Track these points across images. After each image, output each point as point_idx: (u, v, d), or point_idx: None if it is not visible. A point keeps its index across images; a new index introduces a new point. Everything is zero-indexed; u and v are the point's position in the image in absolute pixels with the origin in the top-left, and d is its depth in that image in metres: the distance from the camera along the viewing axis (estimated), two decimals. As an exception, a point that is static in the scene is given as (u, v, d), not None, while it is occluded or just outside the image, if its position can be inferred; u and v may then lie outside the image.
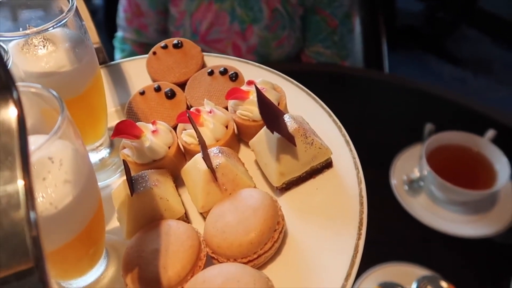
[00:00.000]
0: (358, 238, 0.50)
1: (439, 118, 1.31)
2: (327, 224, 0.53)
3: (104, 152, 0.65)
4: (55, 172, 0.38)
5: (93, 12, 2.68)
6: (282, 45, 1.60)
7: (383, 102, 1.47)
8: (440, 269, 1.00)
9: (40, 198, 0.37)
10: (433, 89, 1.48)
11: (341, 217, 0.53)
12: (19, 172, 0.24)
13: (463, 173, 1.17)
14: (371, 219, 1.17)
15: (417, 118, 1.34)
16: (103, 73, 0.76)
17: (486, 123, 1.22)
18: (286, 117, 0.56)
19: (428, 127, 1.29)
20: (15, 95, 0.25)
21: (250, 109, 0.60)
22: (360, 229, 0.50)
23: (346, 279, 0.46)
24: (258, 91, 0.52)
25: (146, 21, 1.56)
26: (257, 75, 0.69)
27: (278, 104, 0.62)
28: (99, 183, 0.62)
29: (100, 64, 0.76)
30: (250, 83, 0.62)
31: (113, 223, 0.59)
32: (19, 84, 0.39)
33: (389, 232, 1.12)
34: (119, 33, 1.61)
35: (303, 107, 0.65)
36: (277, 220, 0.50)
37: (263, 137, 0.57)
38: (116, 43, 1.62)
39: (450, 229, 1.09)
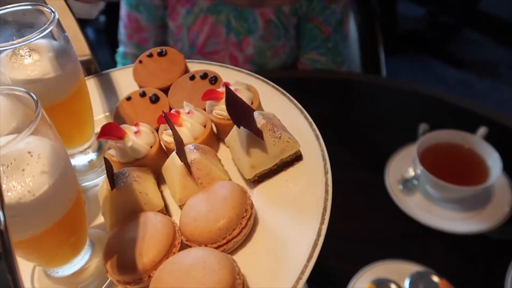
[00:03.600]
0: (322, 223, 0.53)
1: (434, 118, 1.34)
2: (295, 212, 0.56)
3: (92, 155, 0.70)
4: (33, 164, 0.43)
5: (98, 31, 2.80)
6: (277, 54, 1.65)
7: (378, 104, 1.50)
8: (436, 266, 1.01)
9: (19, 187, 0.41)
10: (427, 90, 1.51)
11: (308, 205, 0.56)
12: None
13: (456, 170, 1.18)
14: (367, 218, 1.19)
15: (412, 119, 1.37)
16: (94, 82, 0.81)
17: (480, 122, 1.24)
18: (256, 114, 0.60)
19: (422, 127, 1.31)
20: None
21: (224, 108, 0.65)
22: (324, 214, 0.53)
23: (308, 260, 0.49)
24: (227, 89, 0.57)
25: (145, 35, 1.63)
26: (236, 78, 0.73)
27: (252, 103, 0.66)
28: (87, 183, 0.68)
29: (92, 74, 0.82)
30: (224, 84, 0.66)
31: (101, 219, 0.63)
32: (3, 87, 0.44)
33: (384, 231, 1.14)
34: (121, 49, 1.69)
35: (277, 106, 0.69)
36: (245, 208, 0.54)
37: (235, 134, 0.61)
38: (118, 58, 1.69)
39: (445, 226, 1.10)
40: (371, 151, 1.35)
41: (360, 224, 1.16)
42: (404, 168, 1.25)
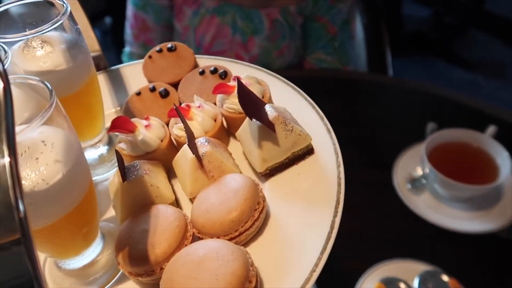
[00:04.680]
0: (335, 216, 0.52)
1: (442, 117, 1.33)
2: (307, 205, 0.56)
3: (102, 149, 0.70)
4: (47, 153, 0.43)
5: (105, 32, 2.82)
6: (283, 54, 1.64)
7: (385, 103, 1.50)
8: (444, 265, 1.00)
9: (33, 175, 0.41)
10: (435, 90, 1.50)
11: (321, 198, 0.55)
12: (5, 150, 0.27)
13: (465, 169, 1.17)
14: (375, 217, 1.18)
15: (420, 118, 1.36)
16: (103, 78, 0.82)
17: (489, 121, 1.23)
18: (267, 107, 0.60)
19: (430, 126, 1.30)
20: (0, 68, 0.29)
21: (235, 102, 0.64)
22: (336, 207, 0.53)
23: (322, 252, 0.49)
24: (239, 82, 0.56)
25: (152, 35, 1.63)
26: (246, 72, 0.73)
27: (263, 97, 0.66)
28: (97, 177, 0.68)
29: (101, 70, 0.82)
30: (235, 78, 0.66)
31: (111, 212, 0.63)
32: (17, 76, 0.44)
33: (392, 230, 1.13)
34: (127, 49, 1.69)
35: (288, 100, 0.69)
36: (258, 200, 0.53)
37: (247, 127, 0.61)
38: (124, 58, 1.70)
39: (454, 225, 1.09)
40: (379, 150, 1.35)
41: (368, 223, 1.15)
42: (412, 167, 1.24)
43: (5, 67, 0.42)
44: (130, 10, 1.65)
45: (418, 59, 3.05)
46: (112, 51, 2.32)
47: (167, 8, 1.61)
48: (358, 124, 1.43)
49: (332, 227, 0.51)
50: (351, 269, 1.05)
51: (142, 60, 0.80)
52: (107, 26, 2.87)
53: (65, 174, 0.43)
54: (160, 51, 0.79)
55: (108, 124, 0.69)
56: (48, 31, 0.52)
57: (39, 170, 0.41)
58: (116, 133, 0.65)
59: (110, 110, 0.77)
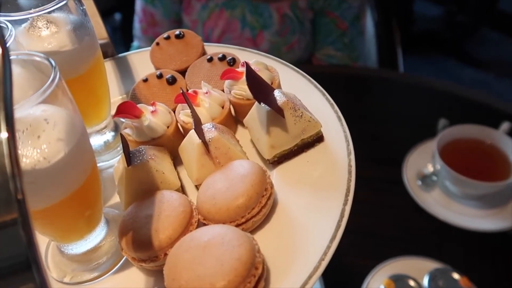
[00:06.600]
0: (345, 204, 0.50)
1: (454, 114, 1.30)
2: (316, 193, 0.54)
3: (108, 135, 0.69)
4: (49, 131, 0.41)
5: (114, 29, 2.83)
6: (292, 49, 1.63)
7: (395, 100, 1.47)
8: (455, 264, 0.98)
9: (35, 153, 0.40)
10: (447, 86, 1.47)
11: (330, 186, 0.54)
12: (2, 125, 0.24)
13: (477, 166, 1.15)
14: (385, 214, 1.15)
15: (431, 115, 1.34)
16: (111, 65, 0.81)
17: (501, 118, 1.20)
18: (276, 92, 0.58)
19: (442, 122, 1.27)
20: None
21: (243, 88, 0.63)
22: (347, 195, 0.51)
23: (331, 241, 0.47)
24: (247, 66, 0.55)
25: (160, 30, 1.63)
26: (254, 60, 0.71)
27: (272, 83, 0.64)
28: (103, 163, 0.66)
29: (109, 57, 0.81)
30: (244, 64, 0.64)
31: (116, 199, 0.62)
32: (21, 52, 0.43)
33: (402, 227, 1.11)
34: (135, 43, 1.68)
35: (297, 87, 0.67)
36: (265, 187, 0.52)
37: (255, 113, 0.59)
38: (133, 52, 1.69)
39: (465, 223, 1.07)
40: (389, 147, 1.33)
41: (378, 219, 1.13)
42: (422, 163, 1.22)
43: (8, 43, 0.41)
44: (139, 4, 1.64)
45: (429, 57, 3.01)
46: (122, 47, 2.32)
47: (176, 2, 1.60)
48: (368, 120, 1.41)
49: (342, 216, 0.49)
50: (360, 266, 1.03)
51: (149, 48, 0.79)
52: (116, 22, 2.88)
53: (67, 153, 0.42)
54: (168, 38, 0.78)
55: (114, 110, 0.68)
56: (53, 10, 0.51)
57: (40, 148, 0.40)
58: (122, 119, 0.64)
59: (116, 97, 0.76)
